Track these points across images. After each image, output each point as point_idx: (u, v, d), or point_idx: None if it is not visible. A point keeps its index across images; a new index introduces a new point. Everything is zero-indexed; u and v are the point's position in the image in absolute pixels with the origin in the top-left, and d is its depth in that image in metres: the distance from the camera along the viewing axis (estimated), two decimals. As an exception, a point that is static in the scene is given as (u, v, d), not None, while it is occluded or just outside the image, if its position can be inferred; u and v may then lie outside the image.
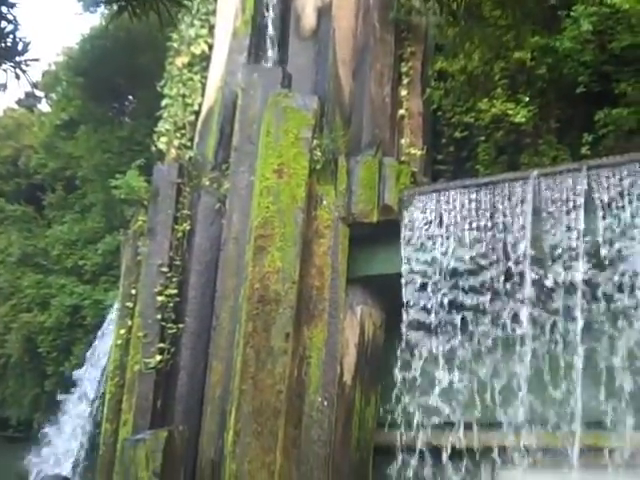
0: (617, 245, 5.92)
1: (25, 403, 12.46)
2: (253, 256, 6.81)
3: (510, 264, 6.25)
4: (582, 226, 6.12)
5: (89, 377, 8.58)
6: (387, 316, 7.13)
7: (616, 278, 5.84)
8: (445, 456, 6.35)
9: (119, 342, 7.55)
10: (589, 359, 5.96)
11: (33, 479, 8.20)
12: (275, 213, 6.88)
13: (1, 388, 13.24)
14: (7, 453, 13.52)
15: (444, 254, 6.53)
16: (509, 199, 6.62)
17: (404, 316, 6.55)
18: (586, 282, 5.98)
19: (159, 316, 7.25)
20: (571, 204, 6.31)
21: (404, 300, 6.58)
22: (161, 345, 7.16)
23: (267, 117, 7.10)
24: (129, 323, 7.47)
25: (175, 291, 7.34)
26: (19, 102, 16.20)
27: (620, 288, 5.90)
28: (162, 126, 8.24)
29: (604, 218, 6.05)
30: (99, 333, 8.93)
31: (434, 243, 6.62)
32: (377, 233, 6.99)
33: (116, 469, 6.62)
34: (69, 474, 7.59)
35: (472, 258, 6.37)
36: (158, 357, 7.10)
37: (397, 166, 7.13)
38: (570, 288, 5.99)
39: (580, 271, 5.94)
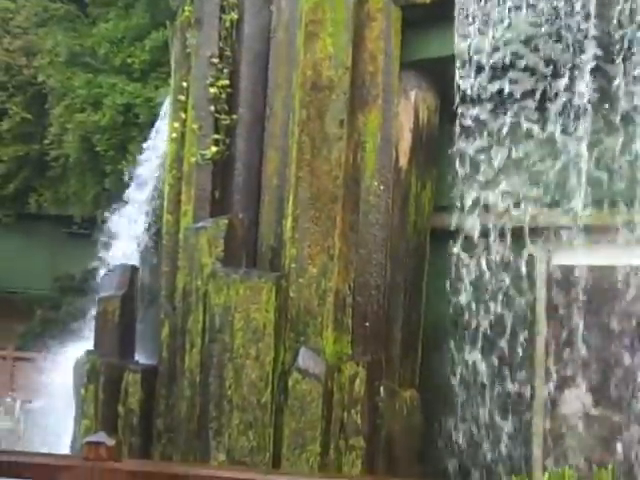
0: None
1: (87, 200, 12.87)
2: (304, 43, 6.66)
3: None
4: None
5: (147, 172, 8.73)
6: (441, 100, 7.02)
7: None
8: (499, 236, 6.46)
9: (174, 135, 7.57)
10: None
11: (102, 273, 8.55)
12: (325, -3, 6.71)
13: (64, 187, 13.67)
14: (74, 249, 14.17)
15: (502, 32, 6.32)
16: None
17: (458, 99, 6.44)
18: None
19: (212, 108, 7.22)
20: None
21: (458, 83, 6.45)
22: (216, 136, 7.19)
23: None
24: (183, 116, 7.47)
25: (227, 82, 7.26)
26: None
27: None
28: None
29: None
30: (153, 130, 9.00)
31: (491, 22, 6.40)
32: (431, 14, 6.73)
33: (180, 256, 6.84)
34: (136, 262, 7.90)
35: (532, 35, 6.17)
36: (214, 148, 7.15)
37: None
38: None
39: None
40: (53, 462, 4.24)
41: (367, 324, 6.41)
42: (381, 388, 6.25)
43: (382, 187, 6.59)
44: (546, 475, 2.08)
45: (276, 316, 6.15)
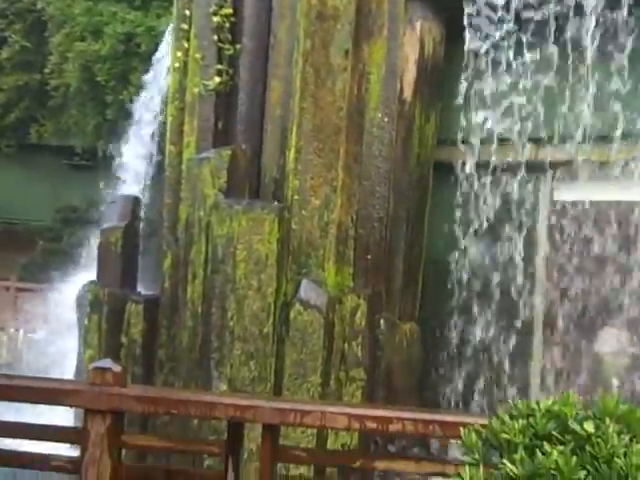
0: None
1: (88, 131, 12.75)
2: (309, -29, 6.55)
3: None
4: None
5: (149, 102, 8.63)
6: (447, 31, 6.90)
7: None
8: (503, 171, 6.43)
9: (177, 65, 7.46)
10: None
11: (107, 202, 8.53)
12: None
13: (64, 117, 13.54)
14: (75, 181, 14.13)
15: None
16: None
17: (467, 29, 6.35)
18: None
19: (215, 37, 7.09)
20: None
21: (466, 13, 6.35)
22: (219, 67, 7.08)
23: None
24: (185, 46, 7.34)
25: (230, 10, 7.12)
26: None
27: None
28: None
29: None
30: (155, 59, 8.87)
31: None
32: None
33: (182, 187, 6.81)
34: (139, 193, 7.86)
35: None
36: (217, 79, 7.05)
37: None
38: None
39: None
40: (59, 386, 4.29)
41: (369, 257, 6.41)
42: (381, 321, 6.28)
43: (386, 119, 6.52)
44: (550, 399, 2.09)
45: (278, 248, 6.15)
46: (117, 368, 3.97)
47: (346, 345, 6.09)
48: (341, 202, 6.35)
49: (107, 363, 4.06)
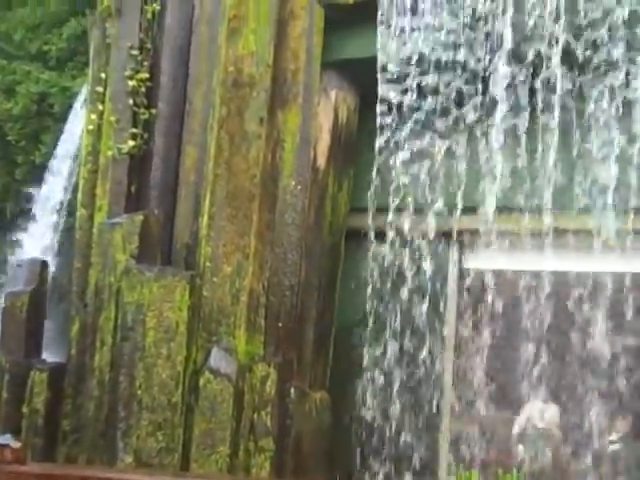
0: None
1: (-4, 192, 12.47)
2: (226, 39, 6.60)
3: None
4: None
5: (60, 165, 8.51)
6: (362, 101, 7.04)
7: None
8: (415, 239, 6.53)
9: (90, 127, 7.40)
10: (564, 141, 5.99)
11: (13, 265, 8.31)
12: (249, -7, 6.66)
13: (-30, 176, 13.21)
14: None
15: (425, 36, 6.38)
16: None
17: (379, 100, 6.48)
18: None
19: (131, 101, 7.08)
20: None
21: (379, 84, 6.49)
22: (134, 130, 7.05)
23: None
24: (100, 108, 7.30)
25: (147, 75, 7.13)
26: None
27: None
28: None
29: None
30: (68, 120, 8.78)
31: (412, 27, 6.44)
32: (353, 15, 6.75)
33: (93, 251, 6.69)
34: (47, 258, 7.69)
35: (449, 42, 6.25)
36: (131, 142, 7.01)
37: (377, -57, 6.79)
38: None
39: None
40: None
41: (280, 324, 6.40)
42: (292, 389, 6.24)
43: (299, 187, 6.58)
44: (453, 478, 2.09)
45: (189, 315, 6.08)
46: (16, 444, 3.84)
47: (255, 414, 6.02)
48: (253, 269, 6.34)
49: (6, 439, 3.92)
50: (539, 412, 7.02)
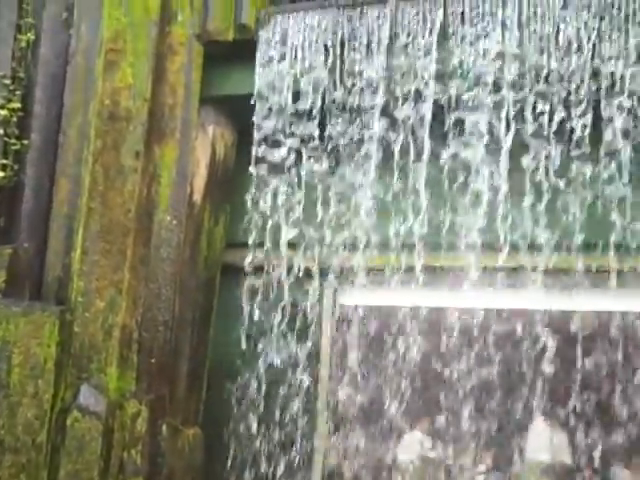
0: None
1: None
2: (103, 71, 6.54)
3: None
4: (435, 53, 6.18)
5: None
6: (240, 137, 7.09)
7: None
8: (290, 275, 6.57)
9: (-40, 158, 7.19)
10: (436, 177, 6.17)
11: None
12: (127, 26, 6.59)
13: None
14: None
15: (299, 76, 6.47)
16: (368, 23, 6.55)
17: (255, 137, 6.53)
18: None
19: (1, 131, 6.92)
20: (427, 31, 6.33)
21: (255, 121, 6.55)
22: (4, 161, 6.88)
23: None
24: (-31, 143, 7.11)
25: (19, 105, 6.98)
26: None
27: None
28: None
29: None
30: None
31: (290, 65, 6.53)
32: (232, 52, 6.80)
33: (-42, 285, 6.47)
34: None
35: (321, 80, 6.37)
36: (1, 174, 6.84)
37: (256, -17, 6.89)
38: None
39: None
40: None
41: (153, 360, 6.32)
42: (164, 426, 6.16)
43: (175, 222, 6.54)
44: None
45: (58, 351, 5.94)
46: None
47: (125, 453, 5.91)
48: (126, 305, 6.25)
49: None
50: (416, 443, 7.15)
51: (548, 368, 6.17)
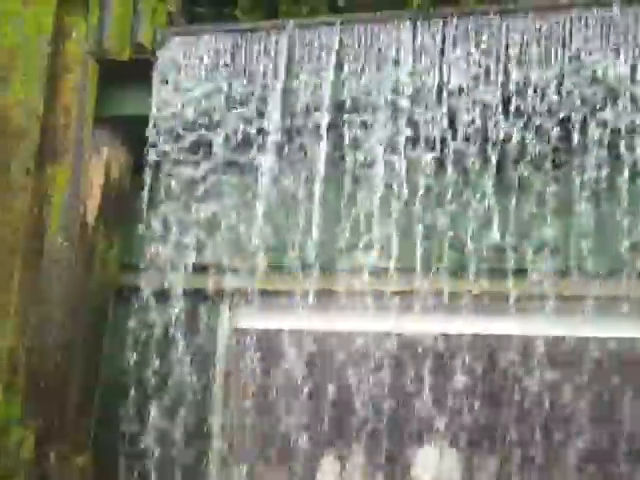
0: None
1: None
2: (-6, 87, 6.42)
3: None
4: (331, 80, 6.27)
5: None
6: (135, 159, 6.99)
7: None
8: (185, 297, 6.51)
9: None
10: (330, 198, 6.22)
11: None
12: (19, 42, 6.47)
13: None
14: None
15: (196, 98, 6.46)
16: (266, 49, 6.60)
17: (150, 160, 6.48)
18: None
19: None
20: (324, 59, 6.42)
21: (150, 143, 6.48)
22: None
23: None
24: None
25: None
26: None
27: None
28: None
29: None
30: None
31: (186, 87, 6.51)
32: (128, 72, 6.72)
33: None
34: None
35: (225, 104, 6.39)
36: None
37: (153, 3, 6.83)
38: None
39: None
40: None
41: (42, 385, 6.13)
42: (51, 453, 5.98)
43: (66, 243, 6.40)
44: None
45: (-60, 375, 5.71)
46: None
47: (10, 481, 5.72)
48: (14, 328, 6.06)
49: None
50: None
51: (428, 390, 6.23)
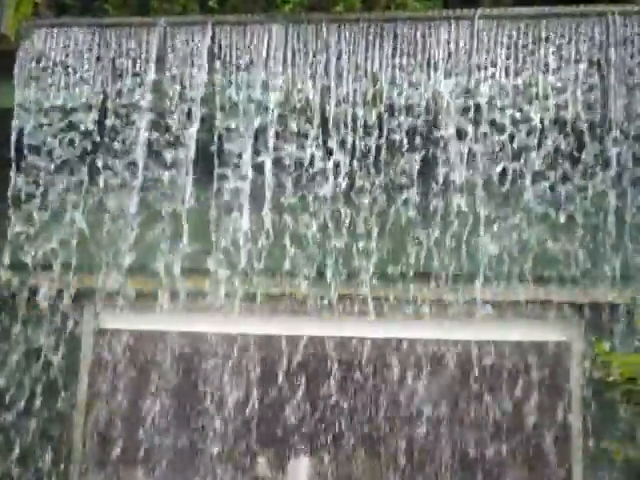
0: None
1: None
2: None
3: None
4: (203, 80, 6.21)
5: None
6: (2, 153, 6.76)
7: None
8: (50, 298, 6.33)
9: None
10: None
11: None
12: None
13: None
14: None
15: (59, 92, 6.28)
16: (136, 45, 6.47)
17: (13, 157, 6.25)
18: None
19: None
20: (195, 58, 6.34)
21: (13, 138, 6.27)
22: None
23: None
24: None
25: None
26: None
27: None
28: None
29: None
30: None
31: (51, 80, 6.34)
32: (-8, 66, 6.53)
33: None
34: None
35: (84, 100, 6.24)
36: None
37: (18, -6, 6.63)
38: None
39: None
40: None
41: None
42: None
43: None
44: None
45: None
46: None
47: None
48: None
49: None
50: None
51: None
